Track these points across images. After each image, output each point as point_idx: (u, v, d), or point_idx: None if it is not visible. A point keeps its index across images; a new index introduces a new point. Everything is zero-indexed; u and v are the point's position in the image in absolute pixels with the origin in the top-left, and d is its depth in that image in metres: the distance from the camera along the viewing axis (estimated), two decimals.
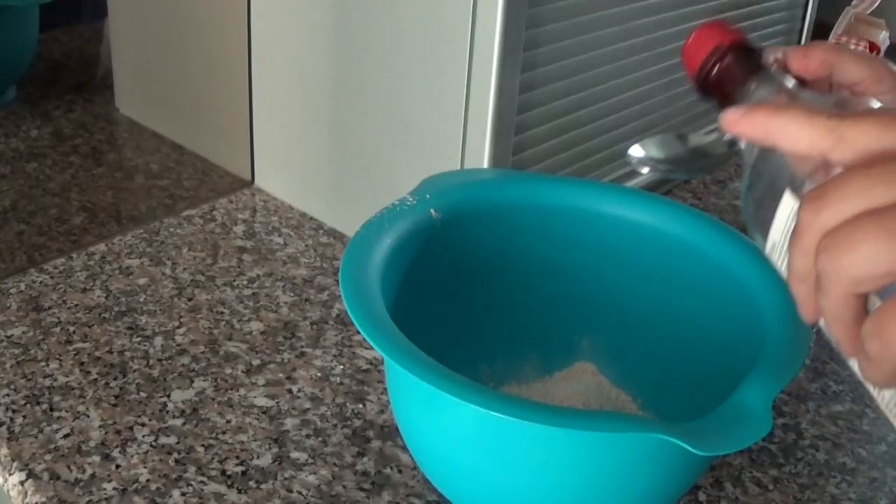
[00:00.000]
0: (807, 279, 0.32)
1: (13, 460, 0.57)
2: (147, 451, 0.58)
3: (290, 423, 0.62)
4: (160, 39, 0.95)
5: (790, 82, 0.45)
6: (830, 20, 1.08)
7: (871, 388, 0.35)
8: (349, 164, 0.79)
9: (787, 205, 0.37)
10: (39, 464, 0.56)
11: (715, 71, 0.45)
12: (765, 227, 0.38)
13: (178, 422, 0.61)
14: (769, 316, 0.51)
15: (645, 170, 0.49)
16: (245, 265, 0.78)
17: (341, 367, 0.67)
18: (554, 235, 0.61)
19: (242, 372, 0.66)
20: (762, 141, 0.37)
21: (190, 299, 0.73)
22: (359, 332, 0.53)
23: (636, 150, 0.49)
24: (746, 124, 0.37)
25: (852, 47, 1.03)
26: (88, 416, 0.61)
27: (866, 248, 0.29)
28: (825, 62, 0.51)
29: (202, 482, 0.56)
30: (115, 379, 0.64)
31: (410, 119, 0.72)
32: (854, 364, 0.35)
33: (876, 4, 0.97)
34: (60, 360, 0.65)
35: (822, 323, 0.34)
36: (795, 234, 0.32)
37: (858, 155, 0.32)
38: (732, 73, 0.45)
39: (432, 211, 0.57)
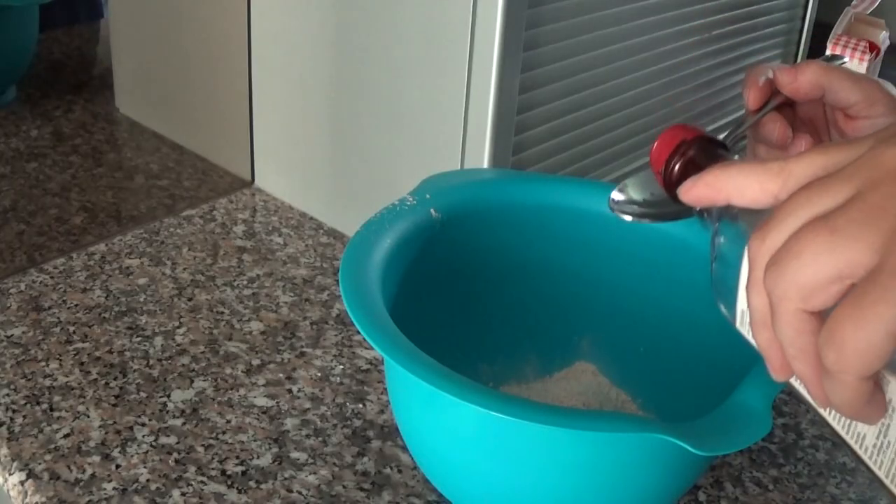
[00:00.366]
0: (766, 321, 0.31)
1: (13, 460, 0.57)
2: (147, 451, 0.58)
3: (290, 423, 0.62)
4: (160, 39, 0.95)
5: None
6: (830, 20, 1.08)
7: (852, 442, 0.32)
8: (349, 164, 0.79)
9: (747, 269, 0.35)
10: (39, 464, 0.56)
11: (679, 164, 0.45)
12: (731, 298, 0.38)
13: (178, 422, 0.61)
14: None
15: (628, 218, 0.49)
16: (245, 265, 0.78)
17: (341, 367, 0.67)
18: (554, 235, 0.61)
19: (242, 372, 0.66)
20: (716, 199, 0.37)
21: (190, 299, 0.73)
22: (359, 332, 0.53)
23: (617, 195, 0.49)
24: (699, 188, 0.37)
25: (852, 47, 1.03)
26: (88, 416, 0.61)
27: (809, 251, 0.28)
28: (816, 84, 0.51)
29: (202, 482, 0.56)
30: (115, 379, 0.64)
31: (410, 119, 0.72)
32: (833, 422, 0.33)
33: (876, 4, 0.97)
34: (60, 360, 0.65)
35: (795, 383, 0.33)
36: (748, 275, 0.31)
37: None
38: (696, 163, 0.45)
39: (432, 211, 0.57)
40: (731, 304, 0.38)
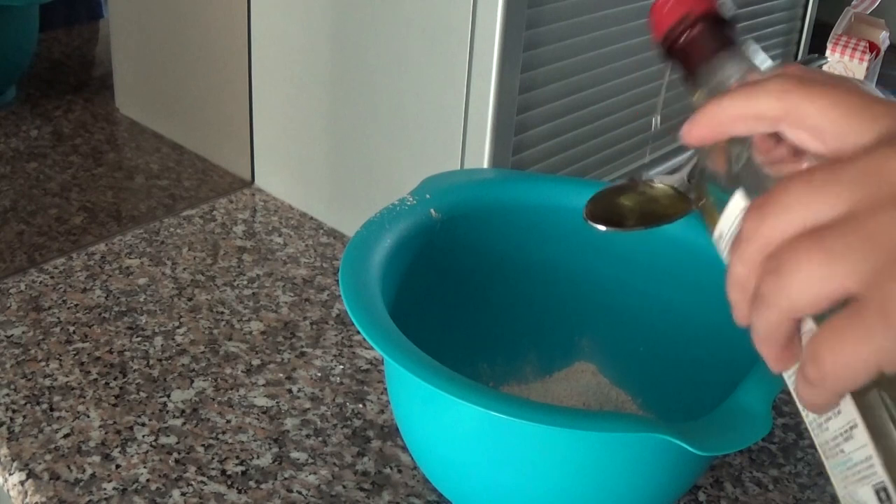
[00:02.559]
0: (745, 288, 0.32)
1: (13, 460, 0.57)
2: (147, 451, 0.58)
3: (290, 423, 0.62)
4: (160, 39, 0.95)
5: (765, 62, 0.43)
6: (830, 20, 1.08)
7: (800, 406, 0.34)
8: (349, 164, 0.79)
9: (738, 203, 0.37)
10: (39, 464, 0.56)
11: (682, 40, 0.42)
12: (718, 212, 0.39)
13: (178, 422, 0.61)
14: None
15: (602, 228, 0.48)
16: (245, 265, 0.78)
17: (341, 367, 0.67)
18: (554, 235, 0.61)
19: (242, 372, 0.66)
20: (720, 133, 0.36)
21: (190, 299, 0.73)
22: (359, 332, 0.53)
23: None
24: (699, 129, 0.36)
25: (852, 47, 1.03)
26: (88, 416, 0.61)
27: (804, 273, 0.28)
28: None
29: (202, 482, 0.56)
30: (115, 379, 0.64)
31: (410, 119, 0.72)
32: (787, 379, 0.35)
33: (876, 4, 0.97)
34: (60, 360, 0.65)
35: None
36: (738, 241, 0.32)
37: (809, 132, 0.32)
38: (700, 45, 0.41)
39: (432, 211, 0.57)
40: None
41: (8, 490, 0.57)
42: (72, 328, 0.69)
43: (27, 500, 0.55)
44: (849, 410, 0.31)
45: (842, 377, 0.28)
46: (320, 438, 0.61)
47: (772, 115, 0.34)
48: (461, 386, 0.43)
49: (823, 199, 0.29)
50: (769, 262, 0.30)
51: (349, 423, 0.62)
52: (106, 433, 0.59)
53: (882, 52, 1.04)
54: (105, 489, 0.55)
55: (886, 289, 0.27)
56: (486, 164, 0.68)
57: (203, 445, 0.59)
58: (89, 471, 0.56)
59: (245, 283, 0.76)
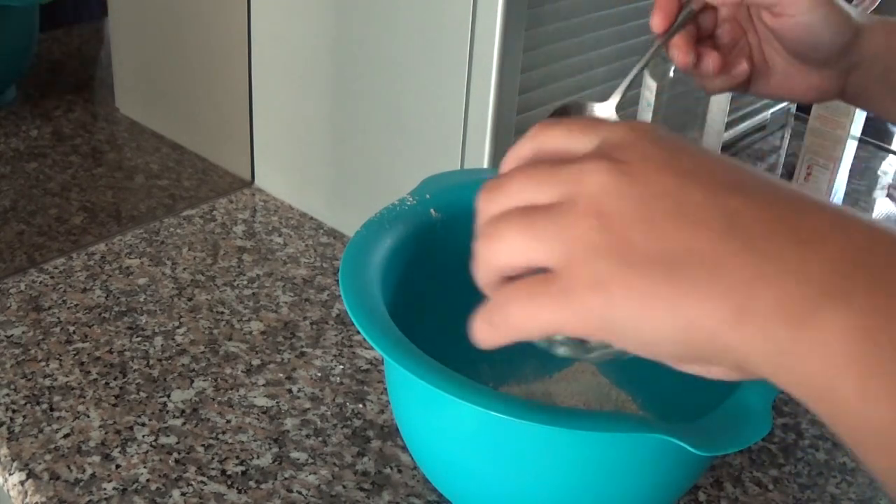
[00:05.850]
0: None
1: (13, 460, 0.57)
2: (147, 451, 0.58)
3: (290, 423, 0.62)
4: (160, 39, 0.95)
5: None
6: None
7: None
8: (349, 164, 0.79)
9: None
10: (39, 464, 0.56)
11: None
12: None
13: (178, 422, 0.61)
14: None
15: None
16: (245, 265, 0.78)
17: (341, 367, 0.67)
18: None
19: (242, 372, 0.66)
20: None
21: (190, 299, 0.73)
22: (359, 332, 0.53)
23: None
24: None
25: None
26: (88, 416, 0.61)
27: (508, 240, 0.34)
28: None
29: (202, 482, 0.56)
30: (115, 379, 0.64)
31: (410, 119, 0.72)
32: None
33: (876, 4, 0.97)
34: (60, 360, 0.65)
35: None
36: (478, 216, 0.37)
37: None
38: None
39: (432, 211, 0.57)
40: None
41: (8, 490, 0.57)
42: (72, 328, 0.69)
43: (27, 500, 0.55)
44: None
45: (521, 330, 0.34)
46: (320, 438, 0.61)
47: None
48: (461, 386, 0.43)
49: (539, 189, 0.34)
50: (487, 228, 0.36)
51: (349, 423, 0.62)
52: (106, 433, 0.59)
53: None
54: (105, 489, 0.55)
55: (573, 274, 0.32)
56: (486, 164, 0.68)
57: (203, 445, 0.59)
58: (89, 471, 0.56)
59: (245, 283, 0.76)
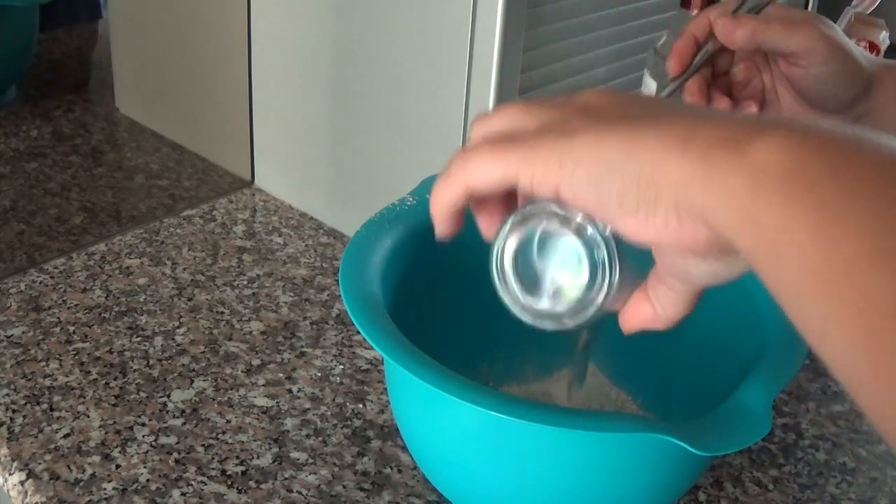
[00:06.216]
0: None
1: (13, 460, 0.57)
2: (147, 451, 0.58)
3: (290, 423, 0.62)
4: (160, 39, 0.95)
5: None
6: (830, 20, 1.08)
7: None
8: (349, 164, 0.79)
9: None
10: (39, 464, 0.56)
11: None
12: None
13: (178, 422, 0.61)
14: (769, 316, 0.51)
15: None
16: (245, 265, 0.78)
17: (341, 367, 0.67)
18: None
19: (242, 372, 0.66)
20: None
21: (190, 299, 0.73)
22: (359, 332, 0.53)
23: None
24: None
25: None
26: (88, 416, 0.61)
27: (476, 161, 0.37)
28: (751, 41, 0.54)
29: (202, 482, 0.56)
30: (115, 379, 0.64)
31: (410, 119, 0.72)
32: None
33: (876, 4, 0.97)
34: (60, 360, 0.65)
35: None
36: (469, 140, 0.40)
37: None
38: None
39: None
40: None
41: (8, 490, 0.57)
42: (72, 328, 0.69)
43: (27, 500, 0.55)
44: None
45: (477, 176, 0.37)
46: (320, 438, 0.61)
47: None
48: (461, 386, 0.43)
49: (522, 118, 0.37)
50: (465, 151, 0.38)
51: (349, 423, 0.62)
52: (106, 433, 0.59)
53: (882, 52, 1.04)
54: (105, 489, 0.55)
55: (543, 136, 0.35)
56: None
57: (203, 445, 0.59)
58: (89, 471, 0.56)
59: (245, 283, 0.76)
